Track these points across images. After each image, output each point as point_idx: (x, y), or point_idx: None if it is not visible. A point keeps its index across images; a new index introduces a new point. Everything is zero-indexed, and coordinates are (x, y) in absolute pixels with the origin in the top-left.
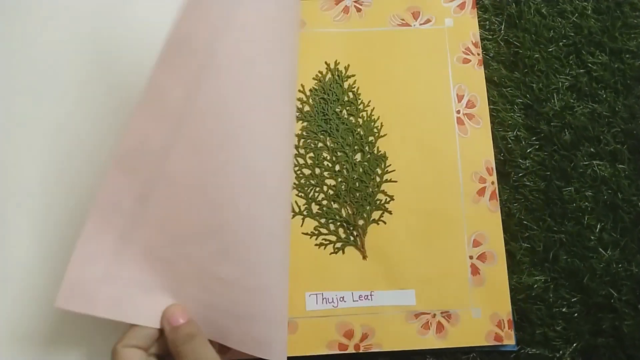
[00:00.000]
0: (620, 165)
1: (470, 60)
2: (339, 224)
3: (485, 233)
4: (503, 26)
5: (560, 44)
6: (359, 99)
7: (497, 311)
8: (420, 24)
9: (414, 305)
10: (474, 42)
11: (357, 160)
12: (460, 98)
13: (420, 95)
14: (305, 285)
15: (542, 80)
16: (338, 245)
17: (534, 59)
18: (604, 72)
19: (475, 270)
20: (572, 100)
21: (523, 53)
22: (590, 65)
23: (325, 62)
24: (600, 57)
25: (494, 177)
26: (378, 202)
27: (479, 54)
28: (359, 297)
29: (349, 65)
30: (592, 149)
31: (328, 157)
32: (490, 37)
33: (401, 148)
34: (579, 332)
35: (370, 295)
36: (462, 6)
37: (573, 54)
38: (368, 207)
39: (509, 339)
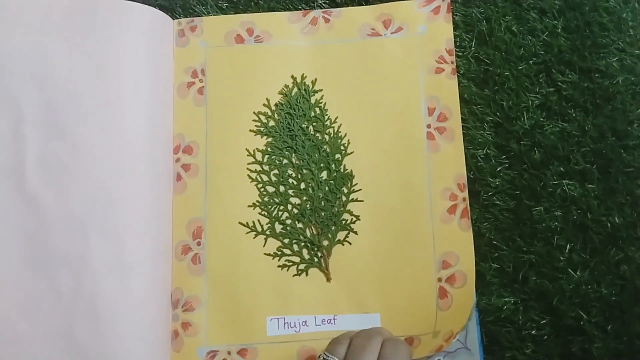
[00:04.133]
0: (590, 185)
1: (444, 70)
2: (303, 244)
3: (456, 253)
4: (474, 43)
5: (531, 62)
6: (326, 114)
7: (452, 329)
8: (392, 33)
9: None
10: (447, 49)
11: (323, 179)
12: (431, 111)
13: (388, 111)
14: (266, 309)
15: (512, 98)
16: (302, 266)
17: (504, 76)
18: (574, 91)
19: (443, 294)
20: (541, 119)
21: (493, 70)
22: (560, 84)
23: (292, 76)
24: (570, 76)
25: (466, 194)
26: (344, 222)
27: (452, 62)
28: (322, 321)
29: (316, 79)
30: (561, 168)
31: (293, 175)
32: (460, 53)
33: (368, 166)
34: (548, 355)
35: (334, 319)
36: (436, 11)
37: (543, 73)
38: (333, 227)
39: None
